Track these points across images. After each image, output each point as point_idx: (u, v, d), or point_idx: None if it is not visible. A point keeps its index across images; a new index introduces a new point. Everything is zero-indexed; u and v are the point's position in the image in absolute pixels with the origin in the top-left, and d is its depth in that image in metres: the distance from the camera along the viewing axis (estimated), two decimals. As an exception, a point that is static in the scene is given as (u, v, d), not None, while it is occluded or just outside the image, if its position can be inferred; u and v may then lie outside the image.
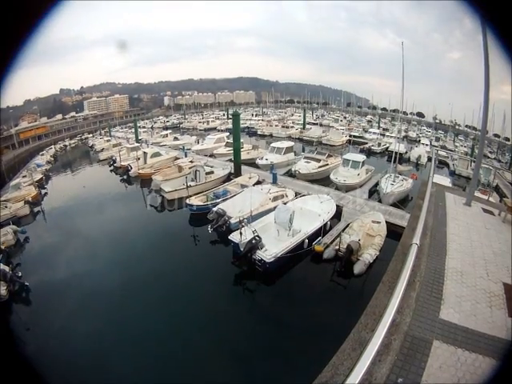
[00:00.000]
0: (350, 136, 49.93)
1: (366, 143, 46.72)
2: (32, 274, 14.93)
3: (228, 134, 41.83)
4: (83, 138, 70.83)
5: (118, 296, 13.05)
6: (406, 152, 40.33)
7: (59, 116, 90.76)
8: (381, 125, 72.86)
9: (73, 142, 67.88)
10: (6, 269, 14.15)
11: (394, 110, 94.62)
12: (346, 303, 11.56)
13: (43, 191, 29.77)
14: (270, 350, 10.09)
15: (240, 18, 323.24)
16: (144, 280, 13.94)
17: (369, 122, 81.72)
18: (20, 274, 14.28)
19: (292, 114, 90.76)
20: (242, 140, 30.38)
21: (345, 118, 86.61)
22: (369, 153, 40.71)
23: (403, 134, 55.13)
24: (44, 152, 53.21)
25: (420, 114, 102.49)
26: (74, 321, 11.77)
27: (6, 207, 22.57)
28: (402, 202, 20.40)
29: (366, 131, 58.27)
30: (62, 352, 10.34)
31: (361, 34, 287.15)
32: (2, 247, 16.87)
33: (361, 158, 26.76)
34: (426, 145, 48.78)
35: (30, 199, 24.93)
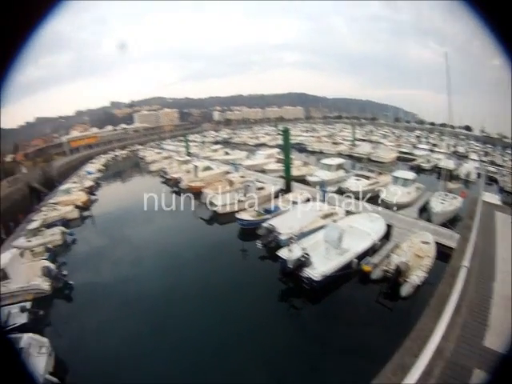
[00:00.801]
0: (400, 152, 49.21)
1: (415, 159, 45.42)
2: (77, 274, 15.96)
3: (278, 150, 42.06)
4: (134, 149, 73.30)
5: (160, 303, 13.63)
6: (456, 168, 39.09)
7: (110, 127, 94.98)
8: (429, 140, 70.83)
9: (124, 152, 70.40)
10: (52, 266, 15.30)
11: (441, 124, 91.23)
12: (390, 326, 11.46)
13: (93, 197, 31.34)
14: (310, 368, 10.21)
15: (282, 33, 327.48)
16: (188, 290, 14.47)
17: (417, 137, 79.46)
18: (65, 273, 15.30)
19: (341, 130, 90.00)
20: (292, 156, 30.62)
21: (393, 133, 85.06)
22: (418, 170, 39.73)
23: (452, 149, 53.64)
24: (94, 160, 55.95)
25: (467, 128, 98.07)
26: (112, 322, 12.46)
27: (56, 209, 24.20)
28: (451, 222, 20.01)
29: (414, 147, 56.85)
30: (97, 349, 11.06)
31: (402, 45, 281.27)
32: (50, 246, 18.14)
33: (411, 175, 26.59)
34: (475, 160, 47.43)
35: (80, 204, 26.44)
